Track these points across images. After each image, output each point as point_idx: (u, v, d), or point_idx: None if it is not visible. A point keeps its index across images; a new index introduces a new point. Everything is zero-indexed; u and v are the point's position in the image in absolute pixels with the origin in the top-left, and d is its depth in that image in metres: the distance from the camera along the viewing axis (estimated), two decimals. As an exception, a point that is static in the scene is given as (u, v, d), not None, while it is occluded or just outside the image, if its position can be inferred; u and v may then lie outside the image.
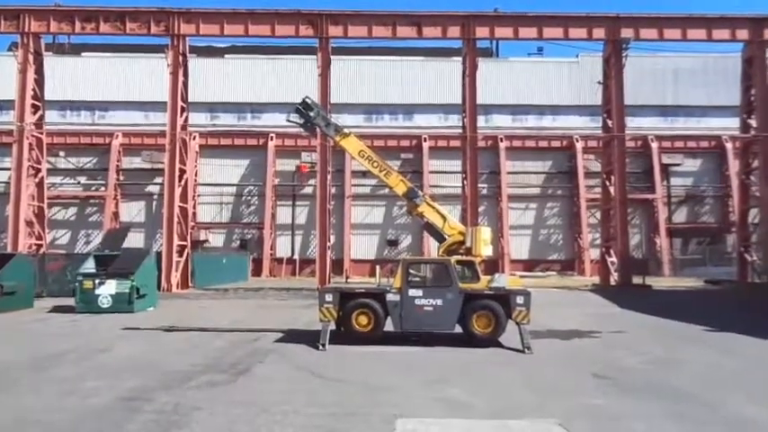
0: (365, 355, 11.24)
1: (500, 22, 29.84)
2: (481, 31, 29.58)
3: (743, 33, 29.99)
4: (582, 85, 42.48)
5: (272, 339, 13.27)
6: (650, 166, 43.04)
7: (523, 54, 47.96)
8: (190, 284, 28.84)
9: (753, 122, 30.52)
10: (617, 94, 29.90)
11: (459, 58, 31.35)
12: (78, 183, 43.86)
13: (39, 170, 29.73)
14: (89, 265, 19.92)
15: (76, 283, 19.09)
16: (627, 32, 29.61)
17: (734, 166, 39.61)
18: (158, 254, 27.22)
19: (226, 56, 45.33)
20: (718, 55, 41.45)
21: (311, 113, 14.62)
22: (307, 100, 14.76)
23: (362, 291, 13.05)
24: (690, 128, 44.26)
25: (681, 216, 44.56)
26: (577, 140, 42.97)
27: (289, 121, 15.48)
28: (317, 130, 15.21)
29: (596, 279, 33.12)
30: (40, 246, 29.24)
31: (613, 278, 30.31)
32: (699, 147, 44.28)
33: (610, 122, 30.50)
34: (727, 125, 40.40)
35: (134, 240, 38.67)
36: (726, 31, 30.02)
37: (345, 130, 14.78)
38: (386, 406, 7.76)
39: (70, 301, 19.48)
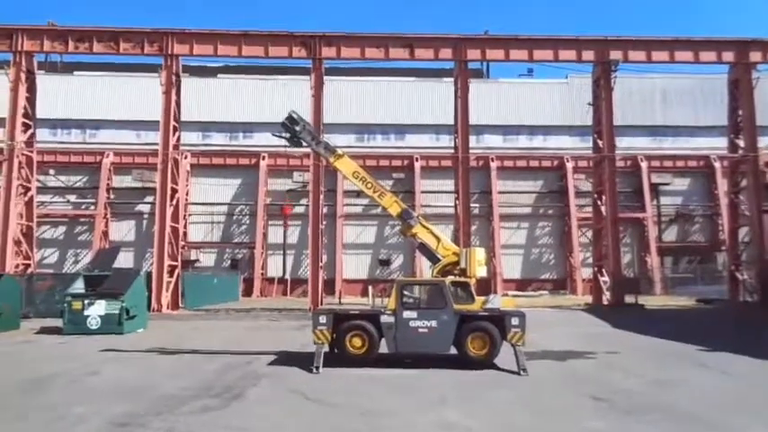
0: (360, 378, 11.09)
1: (491, 45, 30.10)
2: (473, 53, 29.81)
3: (728, 56, 30.47)
4: (572, 105, 42.90)
5: (266, 362, 13.09)
6: (640, 185, 43.38)
7: (514, 75, 48.46)
8: (180, 305, 28.52)
9: (740, 142, 30.87)
10: (607, 114, 30.15)
11: (451, 79, 31.57)
12: (68, 201, 43.54)
13: (28, 189, 29.43)
14: (78, 286, 19.67)
15: (65, 304, 18.82)
16: (615, 54, 29.95)
17: (722, 185, 39.98)
18: (148, 274, 27.00)
19: (219, 75, 45.46)
20: (705, 76, 42.12)
21: (297, 128, 14.59)
22: (293, 114, 14.71)
23: (357, 312, 12.95)
24: (678, 147, 44.78)
25: (671, 235, 44.82)
26: (568, 160, 43.28)
27: (274, 135, 15.47)
28: (304, 144, 15.09)
29: (588, 298, 33.11)
30: (27, 265, 28.84)
31: (606, 297, 30.29)
32: (687, 166, 44.72)
33: (600, 142, 30.72)
34: (715, 145, 40.94)
35: (124, 260, 38.33)
36: (712, 53, 30.48)
37: (339, 151, 14.73)
38: (385, 431, 7.63)
39: (58, 323, 19.17)
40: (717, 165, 42.69)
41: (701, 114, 44.02)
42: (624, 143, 39.46)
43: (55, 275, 29.53)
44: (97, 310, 18.58)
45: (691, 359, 13.57)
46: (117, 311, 18.57)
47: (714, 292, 34.39)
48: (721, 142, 36.19)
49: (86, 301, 18.64)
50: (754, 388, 10.54)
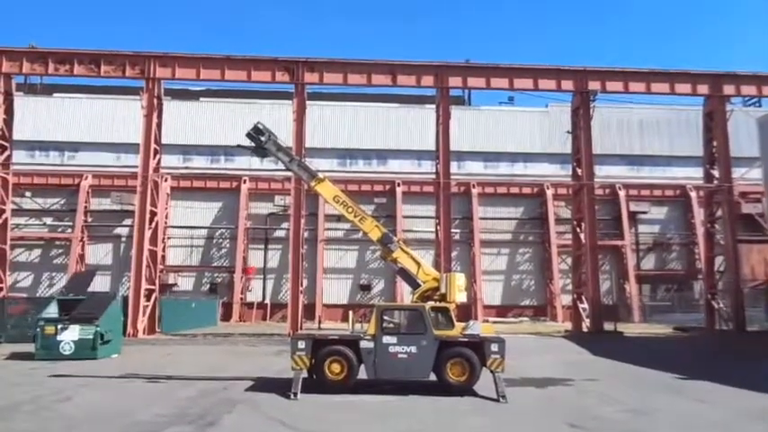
0: (338, 405, 10.96)
1: (472, 73, 30.56)
2: (454, 81, 30.20)
3: (703, 88, 31.22)
4: (552, 133, 43.54)
5: (242, 388, 12.89)
6: (618, 213, 43.93)
7: (495, 103, 49.08)
8: (157, 330, 28.03)
9: (715, 173, 31.48)
10: (585, 143, 30.62)
11: (433, 106, 31.91)
12: (44, 224, 42.83)
13: (2, 211, 28.88)
14: (52, 310, 19.23)
15: (37, 329, 18.38)
16: (594, 85, 30.56)
17: (699, 214, 40.64)
18: (125, 298, 26.55)
19: (201, 99, 45.46)
20: (681, 107, 43.17)
21: (262, 138, 14.59)
22: (258, 125, 14.72)
23: (336, 338, 12.83)
24: (655, 177, 45.54)
25: (649, 263, 45.29)
26: (548, 188, 43.75)
27: (240, 146, 15.47)
28: (269, 155, 15.00)
29: (568, 325, 33.20)
30: (0, 289, 28.21)
31: (585, 324, 30.40)
32: (664, 195, 45.45)
33: (579, 171, 31.13)
34: (691, 174, 41.73)
35: (100, 283, 37.65)
36: (687, 85, 31.21)
37: (320, 175, 14.76)
38: (360, 459, 7.52)
39: (30, 348, 18.71)
40: (693, 194, 43.44)
41: (677, 145, 44.93)
42: (603, 171, 40.08)
43: (28, 299, 28.90)
44: (71, 334, 18.19)
45: (667, 387, 13.63)
46: (91, 336, 18.19)
47: (691, 320, 34.73)
48: (697, 172, 36.91)
49: (60, 326, 18.23)
50: (729, 418, 10.58)
